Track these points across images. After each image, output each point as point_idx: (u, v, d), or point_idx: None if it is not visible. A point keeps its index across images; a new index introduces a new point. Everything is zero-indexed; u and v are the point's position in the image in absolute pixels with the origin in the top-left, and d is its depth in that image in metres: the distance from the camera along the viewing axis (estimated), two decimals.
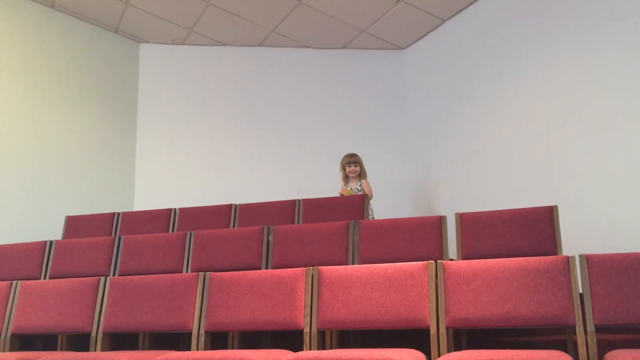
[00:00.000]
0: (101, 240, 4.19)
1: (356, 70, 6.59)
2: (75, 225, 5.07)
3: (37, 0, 5.69)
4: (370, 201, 4.97)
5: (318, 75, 6.58)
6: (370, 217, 4.81)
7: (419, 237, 3.61)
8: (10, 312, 3.28)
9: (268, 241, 3.87)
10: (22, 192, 5.25)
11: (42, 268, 4.14)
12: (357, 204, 4.63)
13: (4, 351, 3.20)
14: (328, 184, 5.58)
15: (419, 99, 6.32)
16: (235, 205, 4.85)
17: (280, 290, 2.87)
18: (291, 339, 3.00)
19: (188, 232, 4.03)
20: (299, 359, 2.29)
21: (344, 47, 6.59)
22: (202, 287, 3.01)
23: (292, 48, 6.60)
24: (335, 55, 6.62)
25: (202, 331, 2.91)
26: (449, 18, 5.93)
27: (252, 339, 3.45)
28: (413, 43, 6.45)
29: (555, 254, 3.33)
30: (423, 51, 6.33)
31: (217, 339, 3.07)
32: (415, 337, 2.81)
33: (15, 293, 3.33)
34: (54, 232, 5.16)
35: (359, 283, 2.78)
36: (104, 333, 3.08)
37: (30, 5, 5.64)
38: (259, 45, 6.59)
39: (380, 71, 6.58)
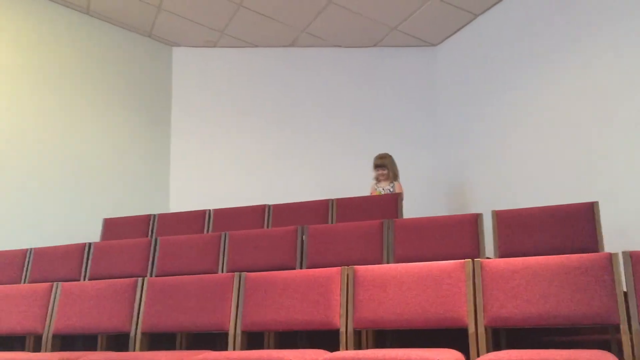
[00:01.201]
0: (138, 241, 4.25)
1: (387, 68, 6.54)
2: (112, 227, 5.16)
3: (72, 7, 5.80)
4: None
5: (349, 74, 6.56)
6: None
7: (455, 235, 3.56)
8: (52, 313, 3.35)
9: (302, 241, 3.86)
10: (60, 195, 5.37)
11: (81, 270, 4.22)
12: (391, 203, 4.59)
13: (45, 351, 3.26)
14: (360, 184, 5.55)
15: (451, 95, 6.25)
16: (269, 206, 4.87)
17: (316, 290, 2.86)
18: (327, 339, 2.99)
19: (223, 233, 4.06)
20: (335, 358, 2.28)
21: (374, 45, 6.55)
22: (237, 288, 3.02)
23: (322, 48, 6.60)
24: (366, 53, 6.58)
25: (238, 331, 2.92)
26: (481, 13, 5.84)
27: (288, 339, 3.44)
28: (445, 39, 6.37)
29: (597, 251, 3.24)
30: (455, 47, 6.25)
31: (253, 339, 3.08)
32: (453, 336, 2.77)
33: (56, 294, 3.40)
34: (92, 234, 5.26)
35: (395, 282, 2.75)
36: (142, 333, 3.11)
37: (65, 12, 5.76)
38: (290, 45, 6.60)
39: (412, 68, 6.52)
